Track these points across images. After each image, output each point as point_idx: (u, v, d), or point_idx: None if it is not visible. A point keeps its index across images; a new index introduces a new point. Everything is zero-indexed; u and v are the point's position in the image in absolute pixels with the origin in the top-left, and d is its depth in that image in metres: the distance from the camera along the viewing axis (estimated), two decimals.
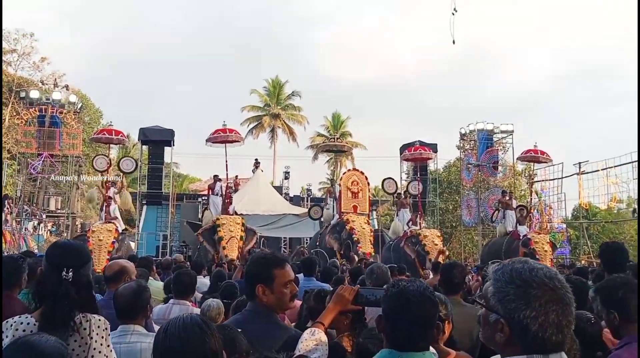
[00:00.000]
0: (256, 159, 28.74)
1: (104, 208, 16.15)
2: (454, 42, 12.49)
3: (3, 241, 17.97)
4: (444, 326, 2.80)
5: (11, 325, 2.30)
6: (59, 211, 26.62)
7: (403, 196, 19.19)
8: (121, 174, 18.10)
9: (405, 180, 26.15)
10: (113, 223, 15.36)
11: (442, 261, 8.84)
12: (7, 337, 2.24)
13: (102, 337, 2.43)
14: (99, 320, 2.45)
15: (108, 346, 2.46)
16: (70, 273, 2.33)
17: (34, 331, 2.25)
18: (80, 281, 2.39)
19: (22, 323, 2.31)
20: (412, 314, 1.85)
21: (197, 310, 4.43)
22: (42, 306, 2.36)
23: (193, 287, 4.73)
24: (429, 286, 1.95)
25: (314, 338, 2.26)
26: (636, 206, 25.04)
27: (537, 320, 1.39)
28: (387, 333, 1.91)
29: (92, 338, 2.38)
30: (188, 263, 10.71)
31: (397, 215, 19.07)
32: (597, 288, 2.79)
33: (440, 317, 2.83)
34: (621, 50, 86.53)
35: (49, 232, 25.22)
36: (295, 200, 29.00)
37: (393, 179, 20.24)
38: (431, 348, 1.96)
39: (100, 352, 2.39)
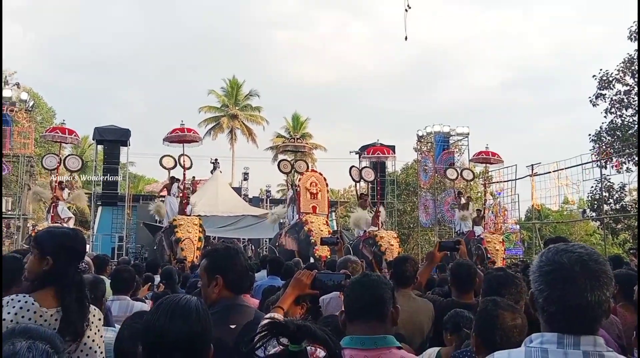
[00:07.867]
0: (215, 160, 28.55)
1: (51, 209, 15.79)
2: (406, 38, 12.53)
3: None
4: None
5: (7, 303, 2.22)
6: (9, 212, 25.74)
7: (363, 198, 19.36)
8: (69, 173, 17.62)
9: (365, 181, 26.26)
10: (60, 223, 14.99)
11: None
12: (9, 313, 2.17)
13: (97, 328, 2.45)
14: (95, 309, 2.48)
15: (101, 337, 2.48)
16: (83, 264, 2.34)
17: (36, 311, 2.21)
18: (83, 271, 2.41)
19: (19, 301, 2.22)
20: (369, 297, 1.99)
21: (142, 305, 4.50)
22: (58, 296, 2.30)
23: (131, 282, 4.72)
24: (386, 276, 2.10)
25: None
26: (586, 208, 25.99)
27: (543, 293, 1.43)
28: (348, 323, 2.01)
29: (91, 329, 2.39)
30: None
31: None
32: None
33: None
34: (563, 58, 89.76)
35: None
36: (254, 201, 28.83)
37: (356, 168, 20.13)
38: None
39: (94, 340, 2.40)
